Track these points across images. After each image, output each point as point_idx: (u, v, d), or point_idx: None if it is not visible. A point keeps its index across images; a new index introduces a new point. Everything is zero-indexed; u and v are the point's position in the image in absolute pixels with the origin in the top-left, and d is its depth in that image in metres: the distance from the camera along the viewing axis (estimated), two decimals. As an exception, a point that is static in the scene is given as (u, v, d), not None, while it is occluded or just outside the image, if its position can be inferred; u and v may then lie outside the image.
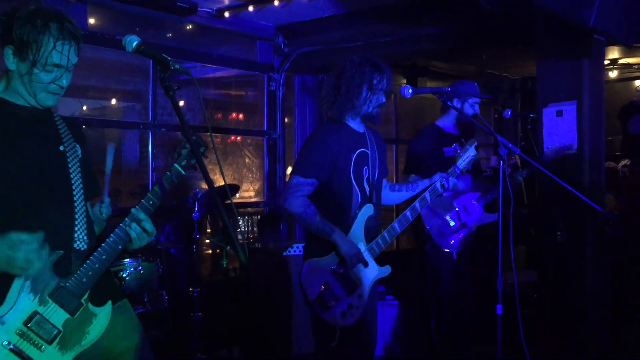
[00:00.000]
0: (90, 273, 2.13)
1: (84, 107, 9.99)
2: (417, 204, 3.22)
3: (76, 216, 2.20)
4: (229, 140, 9.05)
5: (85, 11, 4.92)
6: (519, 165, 7.01)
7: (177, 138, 7.43)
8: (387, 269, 3.18)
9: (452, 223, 4.13)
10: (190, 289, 4.53)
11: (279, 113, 6.37)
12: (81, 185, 2.23)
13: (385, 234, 3.14)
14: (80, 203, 2.23)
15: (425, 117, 6.02)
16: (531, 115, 4.84)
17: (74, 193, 2.21)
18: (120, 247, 2.19)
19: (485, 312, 3.52)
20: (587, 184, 4.31)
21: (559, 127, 4.41)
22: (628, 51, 6.71)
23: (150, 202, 2.21)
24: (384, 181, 3.42)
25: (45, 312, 2.08)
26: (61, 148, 2.24)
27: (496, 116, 8.83)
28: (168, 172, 2.23)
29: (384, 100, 3.15)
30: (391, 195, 3.44)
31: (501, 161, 3.22)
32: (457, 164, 3.38)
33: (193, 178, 7.89)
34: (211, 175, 2.04)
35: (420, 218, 4.05)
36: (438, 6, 4.95)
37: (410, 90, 3.84)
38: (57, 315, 2.10)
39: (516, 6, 4.20)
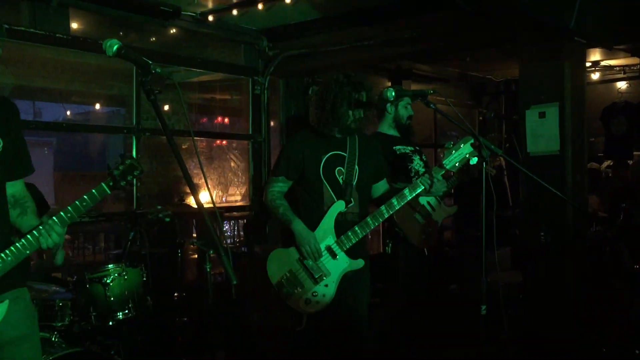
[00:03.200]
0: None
1: (68, 112, 9.95)
2: (394, 200, 3.31)
3: None
4: (214, 144, 9.04)
5: (68, 15, 4.89)
6: (504, 167, 7.08)
7: (162, 142, 7.41)
8: (359, 262, 3.34)
9: (420, 219, 4.16)
10: (175, 294, 4.50)
11: (264, 117, 6.36)
12: None
13: (357, 228, 3.31)
14: None
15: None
16: (514, 117, 4.88)
17: None
18: (28, 252, 2.22)
19: (470, 312, 3.53)
20: (569, 185, 4.35)
21: (542, 128, 4.45)
22: (609, 53, 6.79)
23: (69, 215, 2.23)
24: (385, 183, 3.60)
25: None
26: None
27: (480, 118, 8.90)
28: (93, 190, 2.26)
29: (362, 115, 3.40)
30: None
31: (484, 163, 3.22)
32: (444, 161, 3.24)
33: (177, 182, 7.87)
34: (195, 181, 2.05)
35: (392, 218, 4.07)
36: (420, 9, 4.97)
37: (394, 93, 3.85)
38: None
39: (497, 8, 4.24)
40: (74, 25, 5.14)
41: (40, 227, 2.21)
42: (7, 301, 2.27)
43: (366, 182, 3.49)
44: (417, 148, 4.44)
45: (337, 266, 3.30)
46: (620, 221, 5.91)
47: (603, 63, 7.42)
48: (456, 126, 3.30)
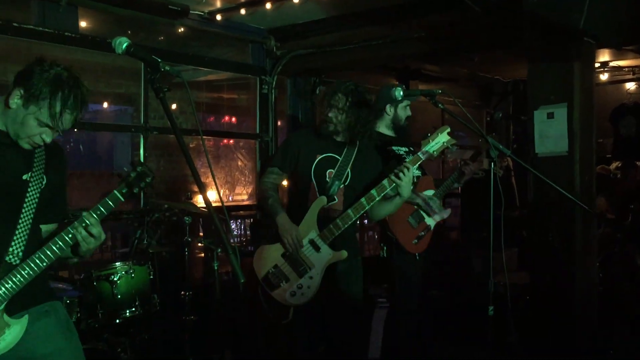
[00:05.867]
0: (10, 282, 2.15)
1: (76, 111, 9.98)
2: (373, 191, 3.31)
3: (16, 234, 2.23)
4: (221, 144, 9.05)
5: (77, 14, 4.91)
6: (511, 168, 7.06)
7: (169, 141, 7.43)
8: (342, 253, 3.39)
9: (413, 224, 4.13)
10: (182, 293, 4.51)
11: (271, 116, 6.37)
12: (32, 211, 2.28)
13: (338, 220, 3.34)
14: (25, 225, 2.26)
15: (416, 121, 6.01)
16: (522, 117, 4.86)
17: (22, 216, 2.25)
18: (60, 253, 2.20)
19: (477, 313, 3.52)
20: (578, 186, 4.33)
21: (550, 129, 4.43)
22: (618, 54, 6.75)
23: (98, 212, 2.22)
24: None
25: None
26: (24, 177, 2.27)
27: (488, 119, 8.87)
28: (107, 198, 2.24)
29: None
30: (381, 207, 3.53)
31: (492, 163, 3.22)
32: (423, 149, 3.36)
33: (184, 181, 7.88)
34: (203, 179, 2.05)
35: (385, 222, 4.05)
36: (429, 9, 4.96)
37: (402, 93, 3.84)
38: None
39: (506, 9, 4.22)
40: (83, 24, 5.16)
41: (75, 223, 2.19)
42: (26, 317, 2.25)
43: (356, 187, 3.47)
44: (412, 149, 4.43)
45: (320, 258, 3.36)
46: (628, 223, 5.88)
47: (612, 64, 7.39)
48: (464, 126, 3.30)
